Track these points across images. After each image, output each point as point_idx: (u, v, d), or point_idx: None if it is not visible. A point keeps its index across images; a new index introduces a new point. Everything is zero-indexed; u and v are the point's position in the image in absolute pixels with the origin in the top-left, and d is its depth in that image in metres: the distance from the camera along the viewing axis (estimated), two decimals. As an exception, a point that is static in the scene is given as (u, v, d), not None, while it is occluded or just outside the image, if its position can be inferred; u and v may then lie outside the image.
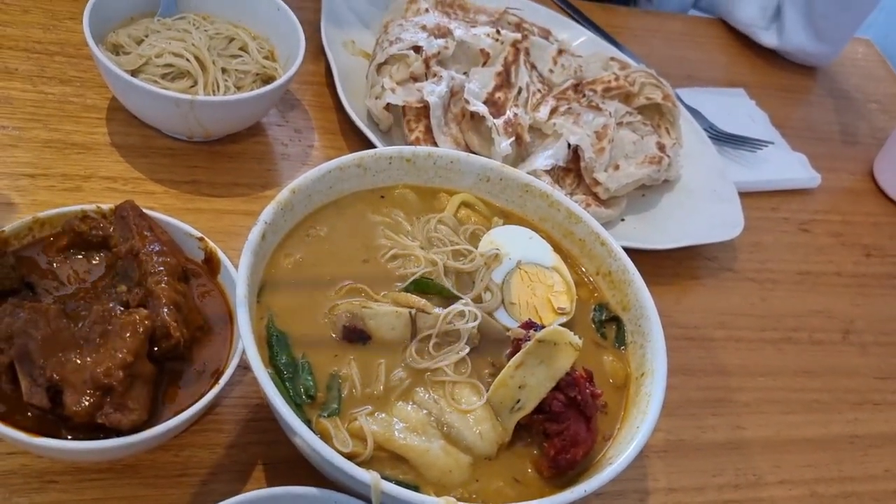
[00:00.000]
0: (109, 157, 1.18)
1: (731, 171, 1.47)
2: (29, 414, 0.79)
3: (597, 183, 1.28)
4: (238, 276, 0.84)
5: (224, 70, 1.20)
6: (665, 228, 1.33)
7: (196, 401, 0.83)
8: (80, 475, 0.89)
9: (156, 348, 0.83)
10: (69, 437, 0.79)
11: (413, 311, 0.91)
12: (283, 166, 1.27)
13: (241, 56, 1.24)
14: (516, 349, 0.89)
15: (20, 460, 0.88)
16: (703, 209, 1.37)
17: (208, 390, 0.84)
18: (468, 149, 1.29)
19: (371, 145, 1.22)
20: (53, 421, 0.79)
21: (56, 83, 1.24)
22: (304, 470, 0.88)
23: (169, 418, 0.81)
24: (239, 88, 1.20)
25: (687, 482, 1.09)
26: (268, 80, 1.23)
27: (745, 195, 1.43)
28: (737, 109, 1.65)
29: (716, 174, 1.42)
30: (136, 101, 1.14)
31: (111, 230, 0.92)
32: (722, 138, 1.54)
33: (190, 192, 1.17)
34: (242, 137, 1.27)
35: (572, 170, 1.30)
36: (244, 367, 1.02)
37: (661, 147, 1.35)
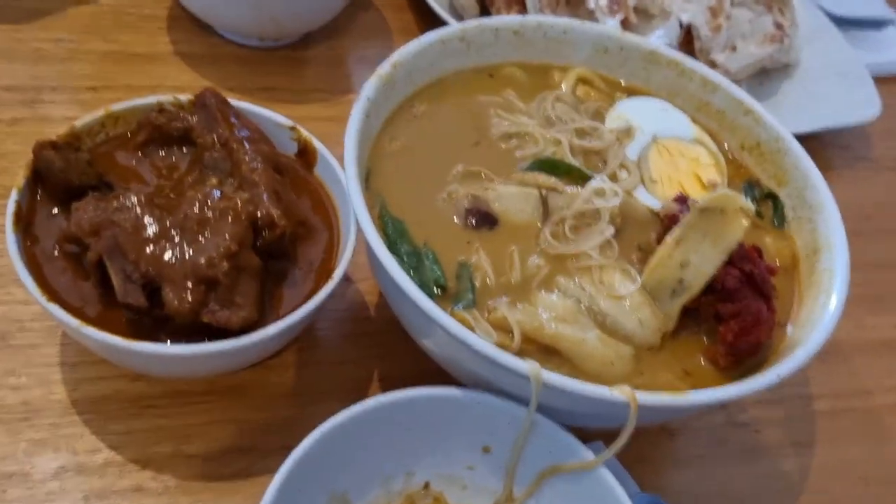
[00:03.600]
0: (175, 67, 1.07)
1: (852, 54, 1.31)
2: (124, 320, 0.68)
3: (714, 65, 1.13)
4: (346, 155, 0.72)
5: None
6: (791, 115, 1.17)
7: (307, 299, 0.72)
8: (179, 398, 0.78)
9: (258, 241, 0.71)
10: (168, 342, 0.68)
11: (543, 191, 0.79)
12: (361, 70, 1.15)
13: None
14: (668, 226, 0.76)
15: (114, 385, 0.78)
16: (830, 92, 1.21)
17: (320, 288, 0.73)
18: (564, 39, 1.16)
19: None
20: (150, 325, 0.68)
21: (109, -6, 1.14)
22: (426, 384, 0.77)
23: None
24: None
25: (853, 385, 0.95)
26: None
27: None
28: (847, -7, 1.48)
29: (839, 54, 1.27)
30: (202, -2, 1.02)
31: (193, 121, 0.80)
32: (837, 22, 1.37)
33: (266, 100, 1.06)
34: (314, 42, 1.15)
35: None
36: (346, 279, 0.91)
37: (779, 26, 1.20)
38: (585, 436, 0.69)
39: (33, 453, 0.72)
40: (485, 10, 1.17)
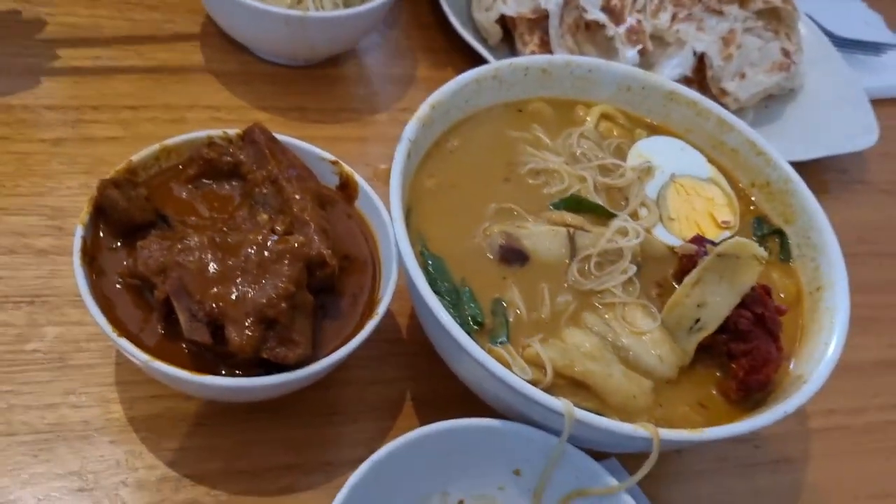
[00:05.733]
0: (209, 86, 1.11)
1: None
2: (185, 350, 0.74)
3: (724, 93, 1.19)
4: (392, 196, 0.78)
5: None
6: (794, 140, 1.23)
7: (355, 332, 0.77)
8: (227, 417, 0.84)
9: (310, 278, 0.77)
10: (223, 373, 0.74)
11: (571, 230, 0.85)
12: (390, 90, 1.19)
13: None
14: (686, 266, 0.82)
15: (166, 403, 0.83)
16: (832, 117, 1.28)
17: (365, 321, 0.79)
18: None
19: (481, 62, 1.14)
20: (210, 358, 0.73)
21: (143, 9, 1.17)
22: (456, 404, 0.83)
23: (326, 352, 0.76)
24: (346, 5, 1.11)
25: (844, 403, 1.03)
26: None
27: (870, 102, 1.32)
28: (849, 13, 1.54)
29: (841, 80, 1.32)
30: (237, 21, 1.06)
31: (241, 156, 0.85)
32: (840, 43, 1.43)
33: (298, 120, 1.10)
34: (342, 61, 1.19)
35: (694, 80, 1.21)
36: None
37: (787, 53, 1.25)
38: (598, 453, 0.76)
39: (96, 471, 0.78)
40: (507, 34, 1.22)
